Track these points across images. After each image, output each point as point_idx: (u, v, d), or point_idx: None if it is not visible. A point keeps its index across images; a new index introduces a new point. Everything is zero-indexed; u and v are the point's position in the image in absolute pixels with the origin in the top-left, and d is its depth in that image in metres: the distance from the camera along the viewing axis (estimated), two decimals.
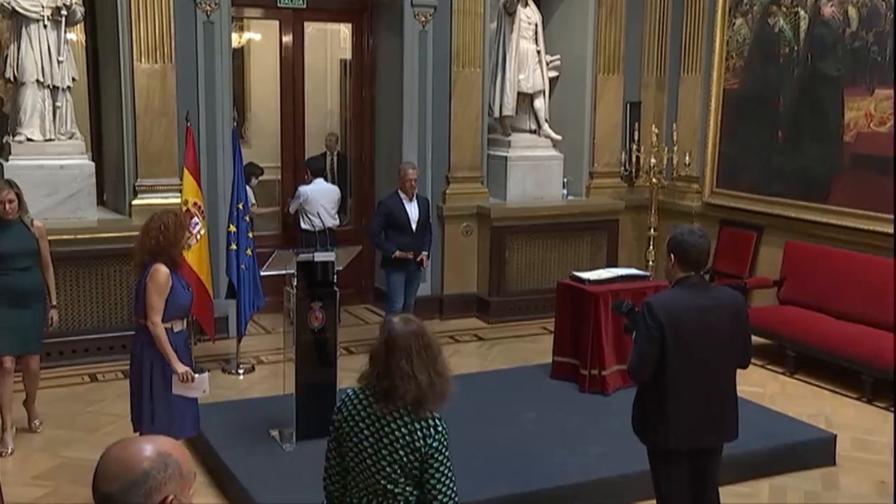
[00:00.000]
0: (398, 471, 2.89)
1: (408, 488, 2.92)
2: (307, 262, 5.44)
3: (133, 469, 1.79)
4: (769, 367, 7.40)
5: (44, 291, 5.68)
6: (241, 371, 7.12)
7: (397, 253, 7.19)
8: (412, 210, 7.31)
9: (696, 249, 3.83)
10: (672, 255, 3.87)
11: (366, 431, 2.93)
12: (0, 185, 5.50)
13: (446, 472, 2.92)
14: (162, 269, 4.49)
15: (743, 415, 5.89)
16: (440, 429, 2.91)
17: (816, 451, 5.62)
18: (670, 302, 3.84)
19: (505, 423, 5.78)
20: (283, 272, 5.58)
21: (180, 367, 4.51)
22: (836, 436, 5.73)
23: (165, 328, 4.52)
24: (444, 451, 2.91)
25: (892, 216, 7.05)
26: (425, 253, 7.38)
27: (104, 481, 1.81)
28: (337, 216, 8.50)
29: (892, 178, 7.09)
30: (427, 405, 2.90)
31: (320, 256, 5.49)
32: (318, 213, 8.19)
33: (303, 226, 8.29)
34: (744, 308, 4.05)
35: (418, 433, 2.88)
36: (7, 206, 5.39)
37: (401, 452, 2.88)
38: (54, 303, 5.78)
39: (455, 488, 2.96)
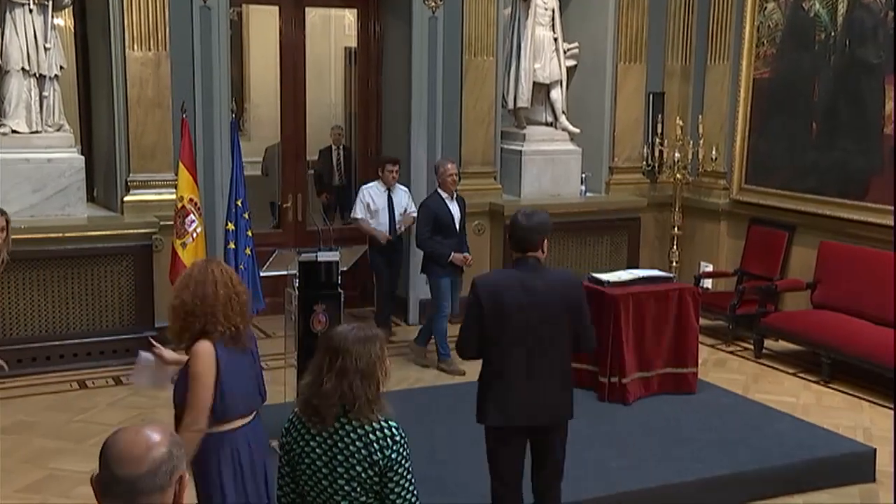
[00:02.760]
0: (357, 488, 2.82)
1: None
2: (309, 262, 5.44)
3: (155, 450, 1.92)
4: (802, 375, 7.37)
5: None
6: None
7: (454, 256, 7.22)
8: (455, 209, 7.36)
9: (518, 229, 4.10)
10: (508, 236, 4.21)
11: (318, 450, 2.86)
12: None
13: (407, 485, 2.86)
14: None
15: (774, 426, 5.93)
16: (398, 438, 2.84)
17: (854, 465, 5.57)
18: (494, 280, 4.20)
19: None
20: (285, 272, 5.57)
21: None
22: (875, 450, 5.69)
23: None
24: (404, 462, 2.85)
25: None
26: (468, 254, 7.45)
27: (125, 464, 1.90)
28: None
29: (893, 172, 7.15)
30: (365, 409, 2.81)
31: (323, 256, 5.49)
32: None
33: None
34: (576, 289, 4.26)
35: (375, 445, 2.81)
36: None
37: (358, 468, 2.81)
38: None
39: (417, 501, 2.90)
